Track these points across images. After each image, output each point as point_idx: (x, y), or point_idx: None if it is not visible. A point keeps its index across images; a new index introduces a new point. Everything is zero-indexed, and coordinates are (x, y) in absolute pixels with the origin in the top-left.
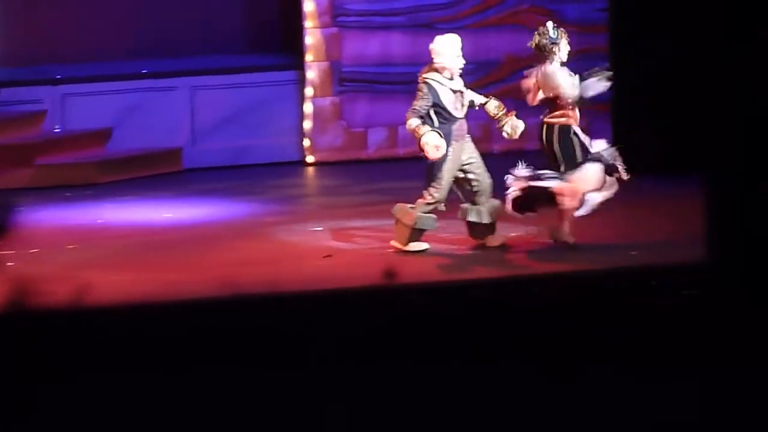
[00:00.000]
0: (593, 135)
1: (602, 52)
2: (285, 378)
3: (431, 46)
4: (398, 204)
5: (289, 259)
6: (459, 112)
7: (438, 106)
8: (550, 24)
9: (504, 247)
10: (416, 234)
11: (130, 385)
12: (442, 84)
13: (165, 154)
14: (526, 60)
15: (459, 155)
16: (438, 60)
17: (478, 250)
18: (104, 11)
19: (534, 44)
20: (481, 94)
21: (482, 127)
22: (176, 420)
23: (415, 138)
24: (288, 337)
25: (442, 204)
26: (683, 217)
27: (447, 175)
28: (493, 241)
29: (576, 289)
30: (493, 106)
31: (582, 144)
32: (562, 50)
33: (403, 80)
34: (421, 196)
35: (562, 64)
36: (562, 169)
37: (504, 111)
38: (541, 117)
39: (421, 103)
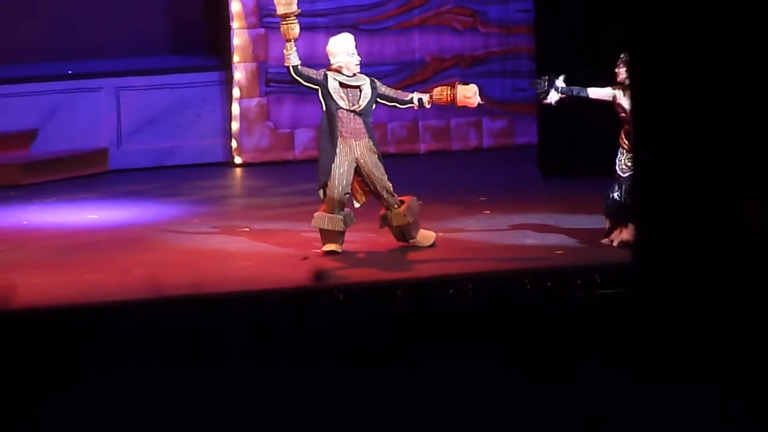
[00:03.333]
0: (517, 135)
1: (526, 53)
2: (208, 378)
3: (326, 48)
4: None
5: (213, 260)
6: (344, 102)
7: (325, 90)
8: None
9: (433, 246)
10: (326, 236)
11: (52, 387)
12: (335, 78)
13: (90, 155)
14: (449, 60)
15: (349, 153)
16: (333, 61)
17: (396, 251)
18: (28, 12)
19: None
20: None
21: (408, 128)
22: (100, 422)
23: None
24: (211, 338)
25: (343, 197)
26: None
27: (335, 174)
28: (424, 240)
29: (496, 289)
30: (437, 90)
31: None
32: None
33: None
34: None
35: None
36: None
37: (448, 88)
38: None
39: (310, 69)
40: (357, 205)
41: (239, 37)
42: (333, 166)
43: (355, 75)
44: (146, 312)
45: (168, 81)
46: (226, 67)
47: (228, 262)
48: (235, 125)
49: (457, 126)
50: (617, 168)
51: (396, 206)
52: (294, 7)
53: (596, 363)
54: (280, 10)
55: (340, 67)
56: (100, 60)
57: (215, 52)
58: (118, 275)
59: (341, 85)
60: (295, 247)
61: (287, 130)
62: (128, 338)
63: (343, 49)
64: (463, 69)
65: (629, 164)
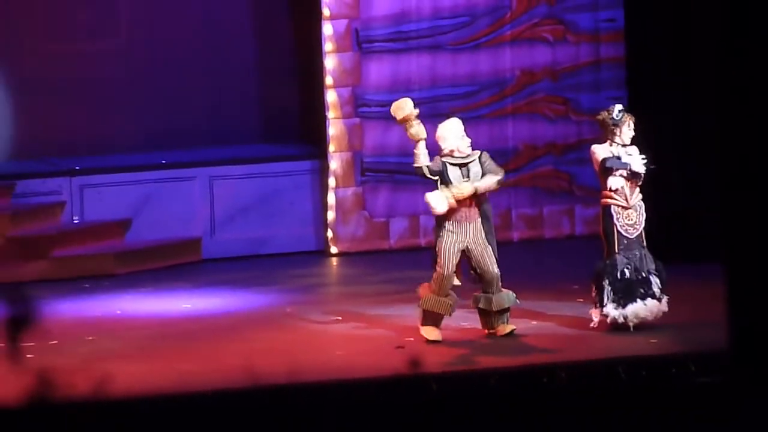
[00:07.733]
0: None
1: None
2: None
3: (437, 135)
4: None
5: (307, 349)
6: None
7: (445, 179)
8: (617, 106)
9: (513, 335)
10: (429, 318)
11: None
12: (452, 164)
13: (184, 244)
14: (542, 148)
15: (461, 235)
16: (444, 145)
17: (490, 339)
18: (122, 102)
19: (599, 119)
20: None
21: (501, 216)
22: None
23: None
24: (307, 427)
25: (452, 277)
26: (702, 304)
27: (446, 252)
28: (503, 329)
29: (590, 378)
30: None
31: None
32: (624, 133)
33: None
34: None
35: (624, 146)
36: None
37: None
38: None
39: (432, 164)
40: (458, 283)
41: (335, 127)
42: (443, 244)
43: (466, 157)
44: (241, 401)
45: (261, 170)
46: (321, 156)
47: (322, 351)
48: (330, 215)
49: (550, 213)
50: (619, 230)
51: (492, 292)
52: (410, 110)
53: None
54: (399, 115)
55: (452, 150)
56: (193, 149)
57: (308, 140)
58: (212, 364)
59: (458, 166)
60: (390, 336)
61: (383, 219)
62: (224, 428)
63: (453, 133)
64: (556, 157)
65: (631, 221)
